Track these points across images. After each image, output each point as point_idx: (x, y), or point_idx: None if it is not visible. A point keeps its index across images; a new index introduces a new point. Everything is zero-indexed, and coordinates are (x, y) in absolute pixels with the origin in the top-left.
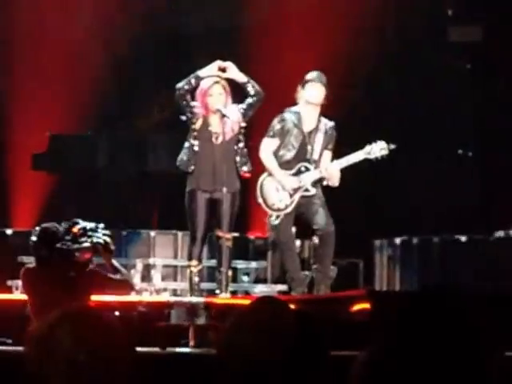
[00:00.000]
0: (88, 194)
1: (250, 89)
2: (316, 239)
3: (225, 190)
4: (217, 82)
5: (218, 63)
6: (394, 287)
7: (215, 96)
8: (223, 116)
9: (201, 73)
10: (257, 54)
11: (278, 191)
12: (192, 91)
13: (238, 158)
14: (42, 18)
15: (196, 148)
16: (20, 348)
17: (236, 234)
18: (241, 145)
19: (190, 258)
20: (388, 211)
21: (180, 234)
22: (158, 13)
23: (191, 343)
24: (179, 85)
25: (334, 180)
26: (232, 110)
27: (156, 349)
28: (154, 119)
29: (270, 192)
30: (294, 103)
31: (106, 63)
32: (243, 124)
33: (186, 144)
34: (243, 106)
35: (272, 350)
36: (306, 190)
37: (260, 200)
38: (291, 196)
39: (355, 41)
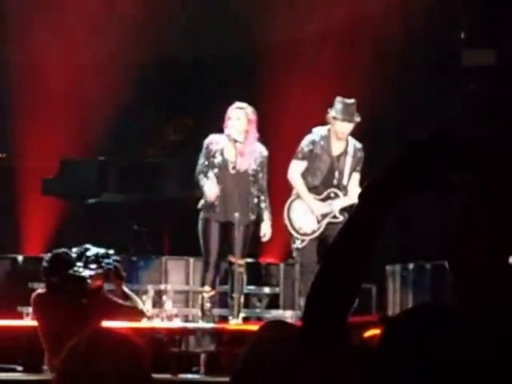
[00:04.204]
0: (98, 219)
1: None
2: None
3: (237, 215)
4: (241, 108)
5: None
6: None
7: (233, 120)
8: (235, 141)
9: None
10: (265, 79)
11: (306, 215)
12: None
13: (253, 190)
14: (51, 44)
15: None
16: (29, 374)
17: (249, 260)
18: (259, 176)
19: (202, 284)
20: (401, 236)
21: (192, 259)
22: (164, 39)
23: (202, 370)
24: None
25: None
26: (251, 142)
27: (168, 375)
28: (166, 143)
29: (298, 215)
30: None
31: (116, 89)
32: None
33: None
34: (262, 167)
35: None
36: (334, 217)
37: (287, 222)
38: (319, 222)
39: (366, 66)
